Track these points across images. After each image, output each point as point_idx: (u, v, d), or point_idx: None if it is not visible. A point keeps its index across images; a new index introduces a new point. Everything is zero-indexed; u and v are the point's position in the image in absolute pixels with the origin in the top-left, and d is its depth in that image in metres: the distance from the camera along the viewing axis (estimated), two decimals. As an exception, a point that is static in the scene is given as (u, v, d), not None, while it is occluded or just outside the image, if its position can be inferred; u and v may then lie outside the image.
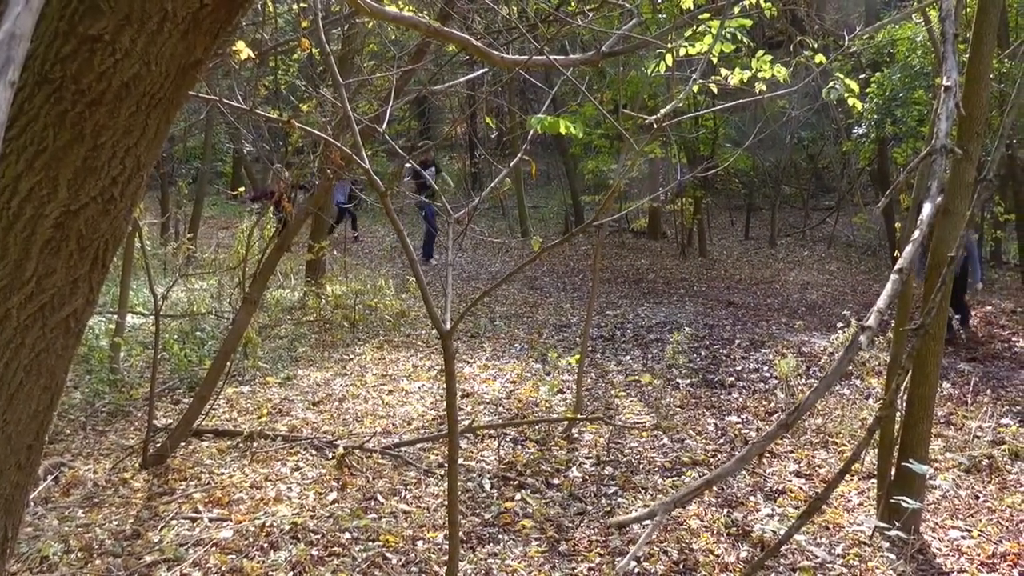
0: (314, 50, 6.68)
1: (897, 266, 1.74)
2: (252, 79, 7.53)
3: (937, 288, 2.49)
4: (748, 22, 5.08)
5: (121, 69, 1.68)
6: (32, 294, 1.70)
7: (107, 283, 9.29)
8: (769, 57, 5.68)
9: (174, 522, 4.57)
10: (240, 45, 5.10)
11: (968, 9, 6.76)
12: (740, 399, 7.04)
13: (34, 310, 1.71)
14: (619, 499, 5.09)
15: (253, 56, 5.15)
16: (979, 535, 4.62)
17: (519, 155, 3.73)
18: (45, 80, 1.65)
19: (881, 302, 1.61)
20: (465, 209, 3.83)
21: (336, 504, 4.85)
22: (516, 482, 5.28)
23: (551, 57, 3.20)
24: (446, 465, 5.20)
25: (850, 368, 7.63)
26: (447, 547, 3.70)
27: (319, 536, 4.43)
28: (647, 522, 3.58)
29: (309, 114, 7.82)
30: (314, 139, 6.86)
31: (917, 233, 1.79)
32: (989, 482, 5.35)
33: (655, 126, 3.47)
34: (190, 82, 1.86)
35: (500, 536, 4.55)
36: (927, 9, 4.72)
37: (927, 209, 1.87)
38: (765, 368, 7.89)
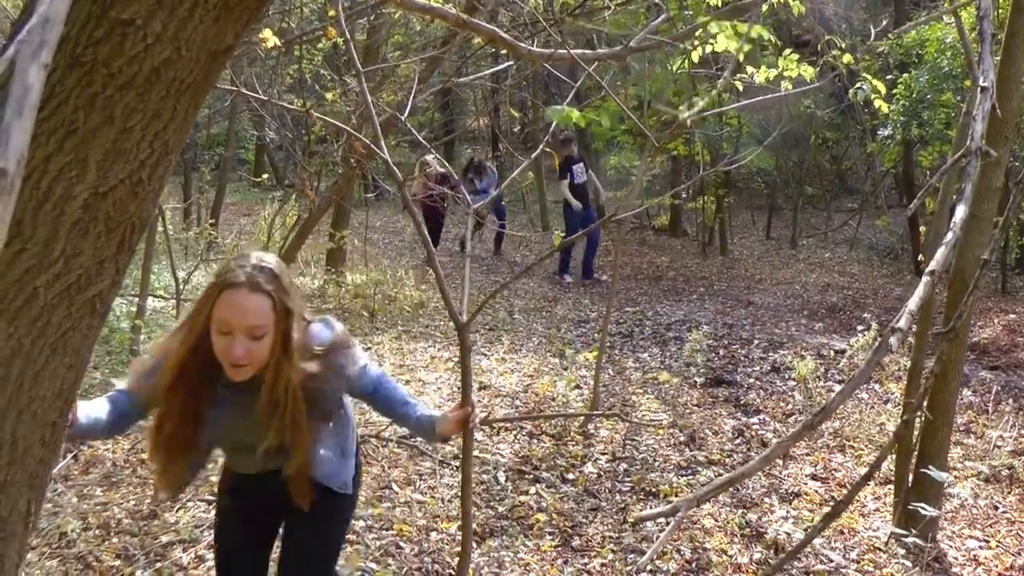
0: (339, 39, 6.69)
1: (928, 268, 1.72)
2: (277, 67, 7.55)
3: (968, 292, 2.47)
4: (764, 31, 5.05)
5: (152, 54, 1.69)
6: (59, 274, 1.70)
7: (129, 266, 9.34)
8: (796, 56, 5.66)
9: (190, 504, 4.59)
10: (266, 33, 5.11)
11: (1000, 10, 6.71)
12: (758, 400, 7.02)
13: (61, 290, 1.72)
14: (634, 496, 5.09)
15: (279, 44, 5.17)
16: (997, 546, 4.59)
17: (539, 147, 3.73)
18: (77, 63, 1.66)
19: (912, 304, 1.60)
20: (484, 200, 3.84)
21: (351, 492, 4.87)
22: (531, 476, 5.28)
23: (578, 51, 3.19)
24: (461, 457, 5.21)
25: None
26: (460, 538, 3.70)
27: (334, 524, 4.44)
28: (669, 519, 3.58)
29: (334, 103, 7.84)
30: (337, 128, 6.88)
31: (950, 236, 1.77)
32: (1009, 492, 5.31)
33: (683, 124, 3.45)
34: (219, 68, 1.87)
35: (513, 529, 4.56)
36: (958, 10, 4.69)
37: (960, 211, 1.85)
38: (783, 369, 7.87)
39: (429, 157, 13.09)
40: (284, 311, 2.51)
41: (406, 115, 3.69)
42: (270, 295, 2.46)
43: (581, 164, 12.57)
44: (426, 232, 3.08)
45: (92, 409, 2.62)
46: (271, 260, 2.56)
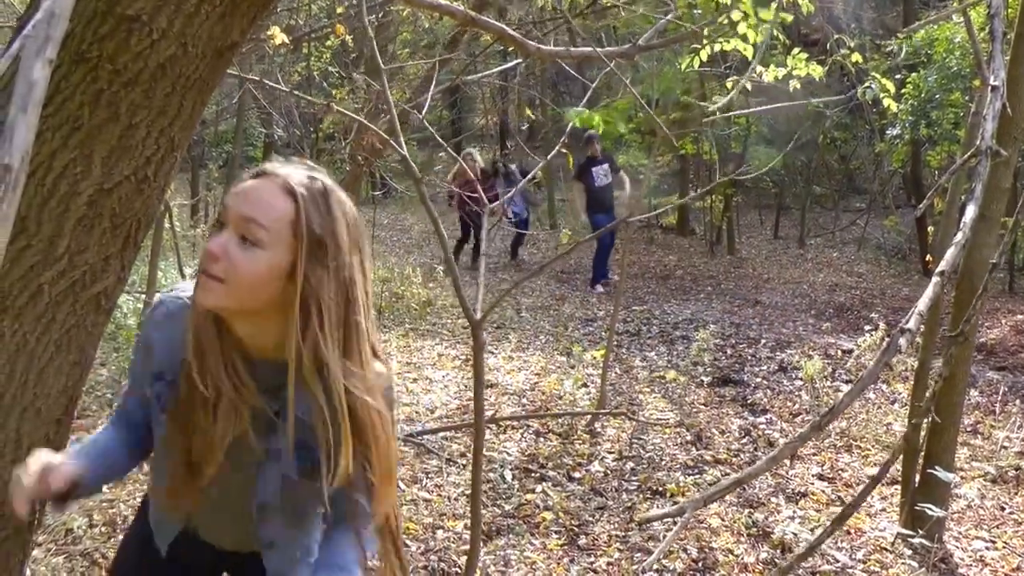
0: (348, 37, 6.69)
1: (938, 269, 1.71)
2: (285, 65, 7.54)
3: (979, 295, 2.46)
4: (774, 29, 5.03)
5: (158, 50, 1.69)
6: (64, 270, 1.71)
7: (136, 263, 9.35)
8: (805, 55, 5.64)
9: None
10: (275, 30, 5.11)
11: (1010, 9, 6.68)
12: (765, 399, 7.00)
13: (66, 286, 1.72)
14: (640, 495, 5.08)
15: (287, 42, 5.17)
16: (1004, 547, 4.57)
17: (556, 148, 3.72)
18: (82, 59, 1.66)
19: (922, 304, 1.58)
20: (499, 200, 3.84)
21: (357, 490, 4.86)
22: (537, 474, 5.28)
23: (587, 49, 3.18)
24: (469, 455, 5.21)
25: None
26: (467, 537, 3.69)
27: (339, 521, 4.44)
28: (676, 518, 3.57)
29: (341, 100, 7.84)
30: (345, 126, 6.87)
31: (960, 236, 1.76)
32: (1016, 493, 5.28)
33: (698, 123, 3.45)
34: (225, 64, 1.86)
35: (520, 528, 4.55)
36: (967, 9, 4.67)
37: (970, 211, 1.84)
38: (790, 369, 7.84)
39: (473, 151, 12.69)
40: (316, 242, 1.62)
41: (424, 113, 3.67)
42: (296, 200, 1.61)
43: (605, 165, 11.79)
44: (441, 228, 3.06)
45: (94, 451, 1.78)
46: (326, 177, 1.71)
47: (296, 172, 1.65)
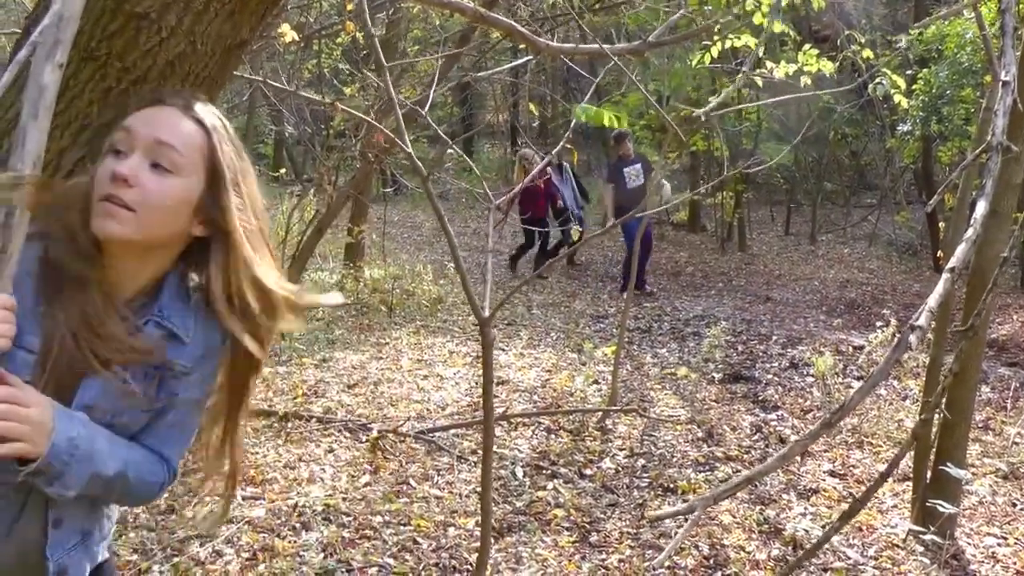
0: (358, 33, 6.69)
1: (949, 265, 1.70)
2: (296, 62, 7.55)
3: (988, 290, 2.45)
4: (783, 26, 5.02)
5: (166, 47, 1.69)
6: (73, 270, 1.71)
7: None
8: (815, 51, 5.63)
9: (208, 499, 4.59)
10: (285, 28, 5.12)
11: (1021, 5, 6.64)
12: (776, 396, 6.98)
13: (75, 286, 1.72)
14: (651, 492, 5.08)
15: (297, 39, 5.17)
16: (1015, 543, 4.56)
17: (561, 143, 3.72)
18: (91, 57, 1.66)
19: (932, 301, 1.58)
20: (506, 196, 3.84)
21: (368, 487, 4.87)
22: (549, 471, 5.28)
23: (596, 46, 3.18)
24: (480, 452, 5.21)
25: (889, 368, 7.52)
26: (478, 534, 3.70)
27: (351, 518, 4.45)
28: (687, 516, 3.57)
29: (352, 97, 7.84)
30: (356, 123, 6.87)
31: (970, 232, 1.75)
32: (1028, 489, 5.27)
33: (703, 119, 3.45)
34: (235, 62, 1.87)
35: (531, 525, 4.55)
36: (978, 4, 4.65)
37: (981, 207, 1.84)
38: (802, 365, 7.82)
39: (528, 151, 12.41)
40: (233, 170, 1.59)
41: (427, 109, 3.67)
42: (207, 129, 1.56)
43: (638, 166, 11.29)
44: (448, 225, 3.05)
45: None
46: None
47: (195, 100, 1.59)
